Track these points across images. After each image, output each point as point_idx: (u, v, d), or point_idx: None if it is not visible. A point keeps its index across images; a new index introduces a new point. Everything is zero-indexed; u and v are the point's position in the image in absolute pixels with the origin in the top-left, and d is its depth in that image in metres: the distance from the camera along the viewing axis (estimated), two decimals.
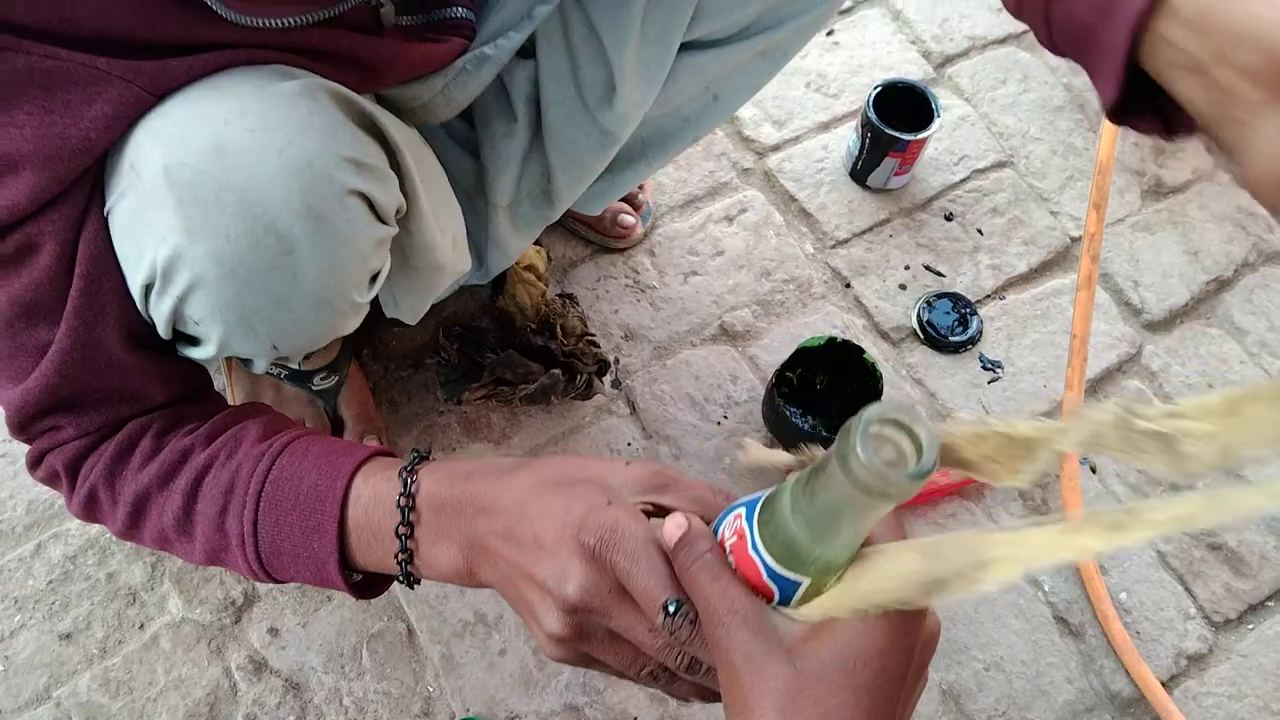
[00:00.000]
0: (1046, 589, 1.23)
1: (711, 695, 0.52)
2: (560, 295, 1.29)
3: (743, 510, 0.48)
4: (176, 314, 0.68)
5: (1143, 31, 0.51)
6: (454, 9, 0.81)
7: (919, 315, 1.37)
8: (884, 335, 1.37)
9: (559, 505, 0.54)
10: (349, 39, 0.71)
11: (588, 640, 0.53)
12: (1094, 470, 1.31)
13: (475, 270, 1.08)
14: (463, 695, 1.11)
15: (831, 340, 1.22)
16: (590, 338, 1.26)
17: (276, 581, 0.70)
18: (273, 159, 0.62)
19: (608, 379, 1.28)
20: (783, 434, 1.24)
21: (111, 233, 0.66)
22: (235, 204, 0.62)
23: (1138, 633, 1.22)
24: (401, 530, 0.61)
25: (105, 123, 0.62)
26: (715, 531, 0.50)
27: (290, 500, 0.66)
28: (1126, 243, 1.50)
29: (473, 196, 1.02)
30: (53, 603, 1.13)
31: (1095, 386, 1.38)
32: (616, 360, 1.31)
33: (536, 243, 1.25)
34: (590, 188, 1.05)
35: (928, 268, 1.43)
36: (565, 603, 0.51)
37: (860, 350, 1.21)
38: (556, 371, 1.20)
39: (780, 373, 1.21)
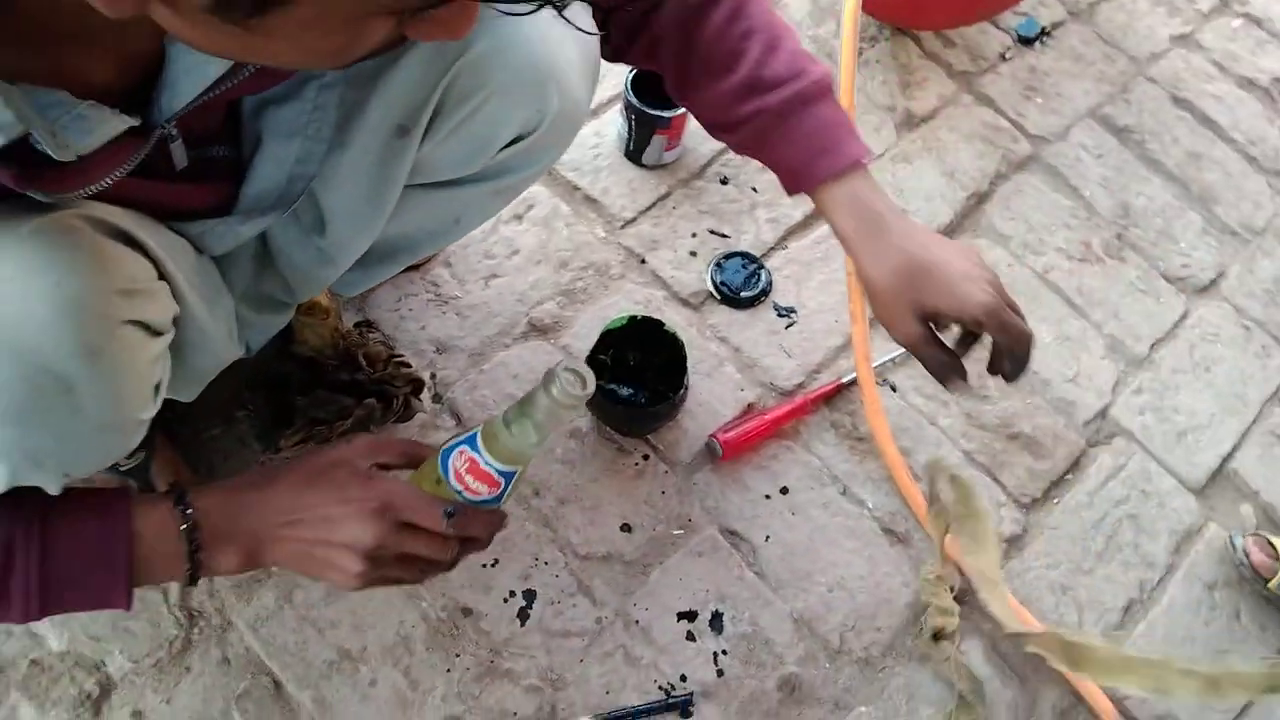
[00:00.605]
0: (870, 505, 1.32)
1: (452, 565, 0.83)
2: (357, 324, 1.29)
3: (464, 446, 0.81)
4: None
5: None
6: (215, 148, 0.79)
7: (712, 278, 1.44)
8: (684, 302, 1.43)
9: (331, 489, 0.78)
10: (134, 186, 0.68)
11: (381, 567, 0.79)
12: (894, 389, 1.41)
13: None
14: None
15: (633, 319, 1.26)
16: (398, 359, 1.26)
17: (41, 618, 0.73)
18: (39, 305, 0.61)
19: (426, 396, 1.29)
20: (606, 414, 1.29)
21: None
22: (6, 352, 0.61)
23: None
24: (193, 553, 0.75)
25: None
26: (446, 468, 0.81)
27: (76, 564, 0.71)
28: (889, 175, 1.61)
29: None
30: None
31: None
32: (433, 375, 1.32)
33: None
34: (343, 277, 1.04)
35: (713, 231, 1.50)
36: (367, 550, 0.77)
37: (660, 324, 1.26)
38: (370, 400, 1.20)
39: (591, 358, 1.25)
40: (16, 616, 0.71)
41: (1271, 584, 1.29)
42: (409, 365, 1.27)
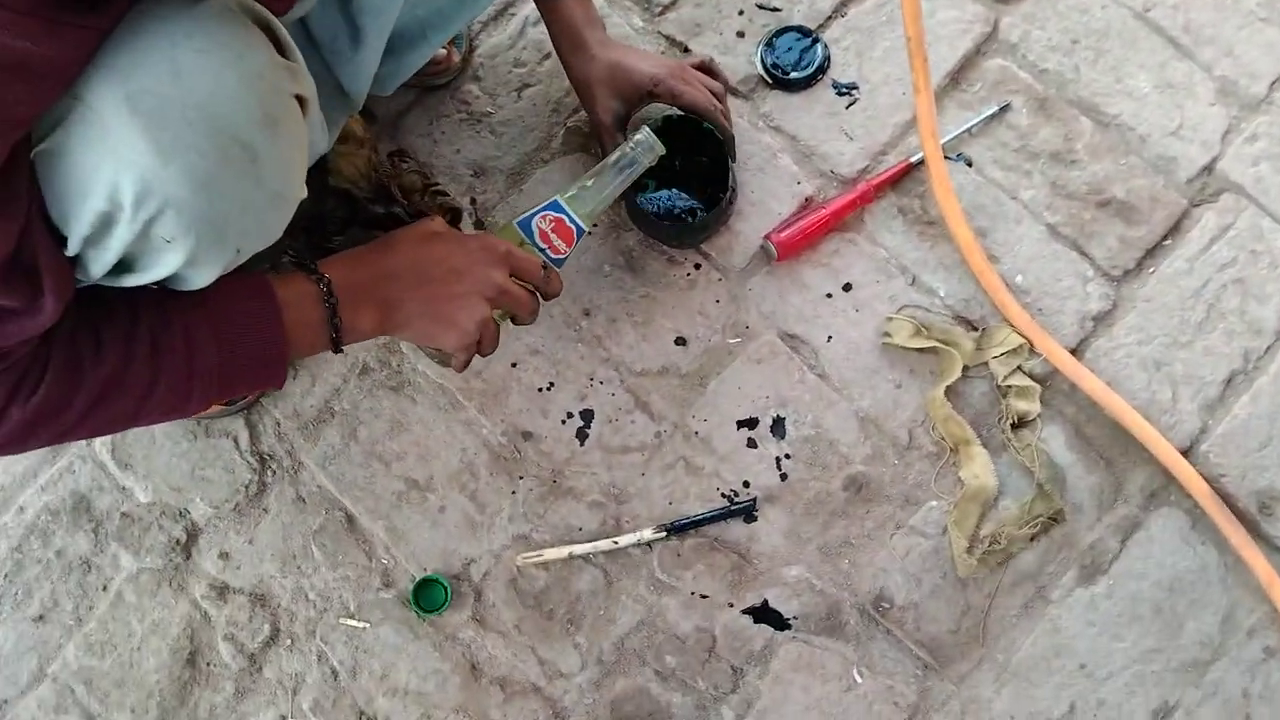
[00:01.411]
0: (942, 294, 1.24)
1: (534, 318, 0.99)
2: (391, 154, 1.25)
3: (547, 211, 1.00)
4: (142, 238, 0.70)
5: None
6: None
7: (762, 59, 1.32)
8: (733, 91, 1.32)
9: (452, 243, 0.94)
10: None
11: (499, 302, 0.93)
12: (969, 164, 1.29)
13: None
14: (416, 558, 1.16)
15: (669, 118, 1.18)
16: (435, 188, 1.22)
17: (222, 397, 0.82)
18: (229, 75, 0.66)
19: (467, 222, 1.26)
20: (651, 228, 1.23)
21: (44, 170, 0.66)
22: (202, 121, 0.66)
23: (1039, 310, 1.23)
24: (332, 316, 0.85)
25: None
26: (530, 230, 1.00)
27: (247, 344, 0.81)
28: None
29: None
30: (15, 593, 1.17)
31: (958, 77, 1.33)
32: (473, 200, 1.28)
33: None
34: (379, 71, 1.03)
35: (761, 5, 1.36)
36: (494, 293, 0.92)
37: (698, 122, 1.17)
38: None
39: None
40: (196, 405, 0.80)
41: None
42: (446, 194, 1.23)
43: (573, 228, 1.00)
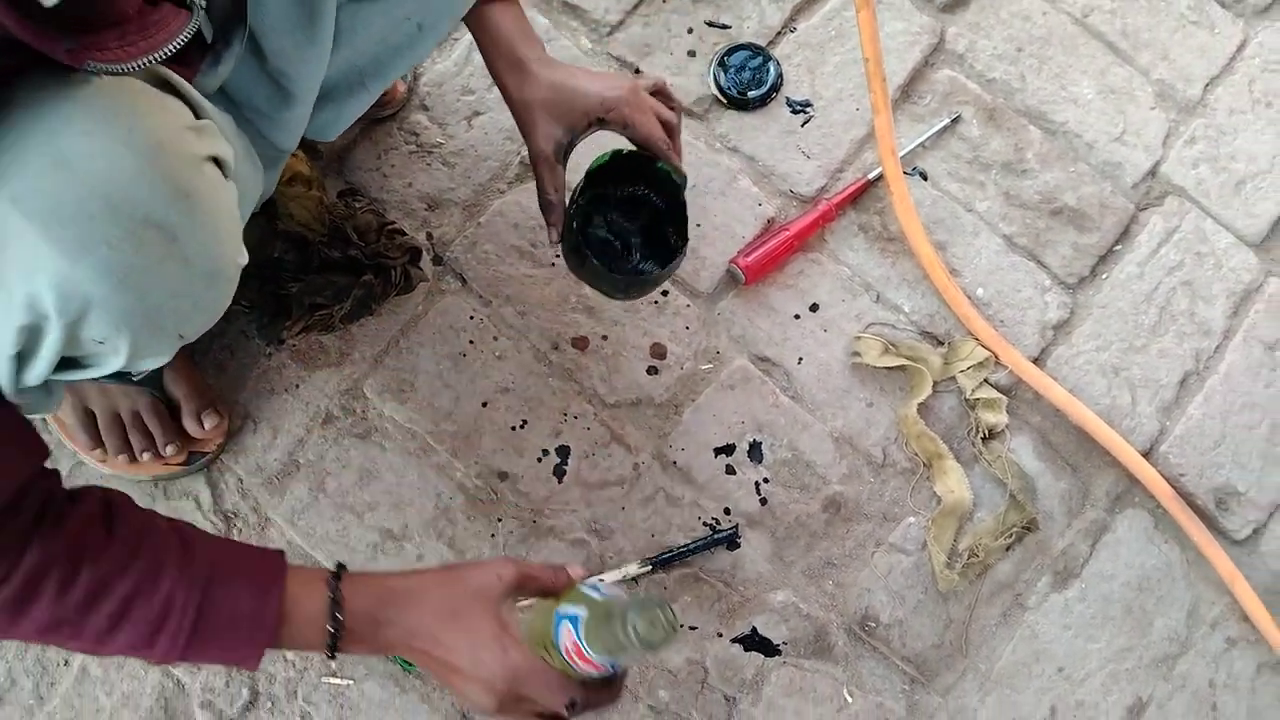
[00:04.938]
0: (907, 310, 1.25)
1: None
2: (341, 193, 1.21)
3: (569, 625, 0.77)
4: (72, 343, 0.65)
5: None
6: None
7: (715, 79, 1.31)
8: (688, 112, 1.31)
9: (466, 639, 0.79)
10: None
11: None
12: (925, 177, 1.31)
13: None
14: None
15: (617, 153, 1.07)
16: (391, 227, 1.19)
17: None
18: (122, 153, 0.60)
19: (425, 261, 1.22)
20: (587, 274, 1.08)
21: None
22: (103, 210, 0.59)
23: (1001, 321, 1.25)
24: (331, 644, 0.76)
25: None
26: (558, 634, 0.78)
27: (223, 635, 0.74)
28: None
29: None
30: None
31: (908, 90, 1.34)
32: (429, 236, 1.25)
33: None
34: (316, 119, 0.96)
35: (711, 23, 1.35)
36: (484, 711, 0.81)
37: (652, 160, 1.06)
38: (368, 278, 1.14)
39: (574, 208, 1.06)
40: (154, 659, 0.74)
41: None
42: (403, 233, 1.20)
43: (591, 660, 0.77)
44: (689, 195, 1.10)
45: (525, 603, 0.85)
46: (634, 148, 1.06)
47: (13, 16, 0.49)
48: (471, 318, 1.22)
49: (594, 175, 1.05)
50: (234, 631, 0.74)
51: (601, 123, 1.02)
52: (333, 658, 0.78)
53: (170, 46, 0.58)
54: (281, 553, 0.78)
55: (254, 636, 0.74)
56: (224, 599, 0.73)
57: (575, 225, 1.05)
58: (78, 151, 0.59)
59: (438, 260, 1.24)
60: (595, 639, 0.75)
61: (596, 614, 0.76)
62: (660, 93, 1.11)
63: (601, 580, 1.09)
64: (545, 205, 1.04)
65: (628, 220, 1.11)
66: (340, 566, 0.80)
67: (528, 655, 0.80)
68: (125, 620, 0.71)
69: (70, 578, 0.69)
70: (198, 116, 0.69)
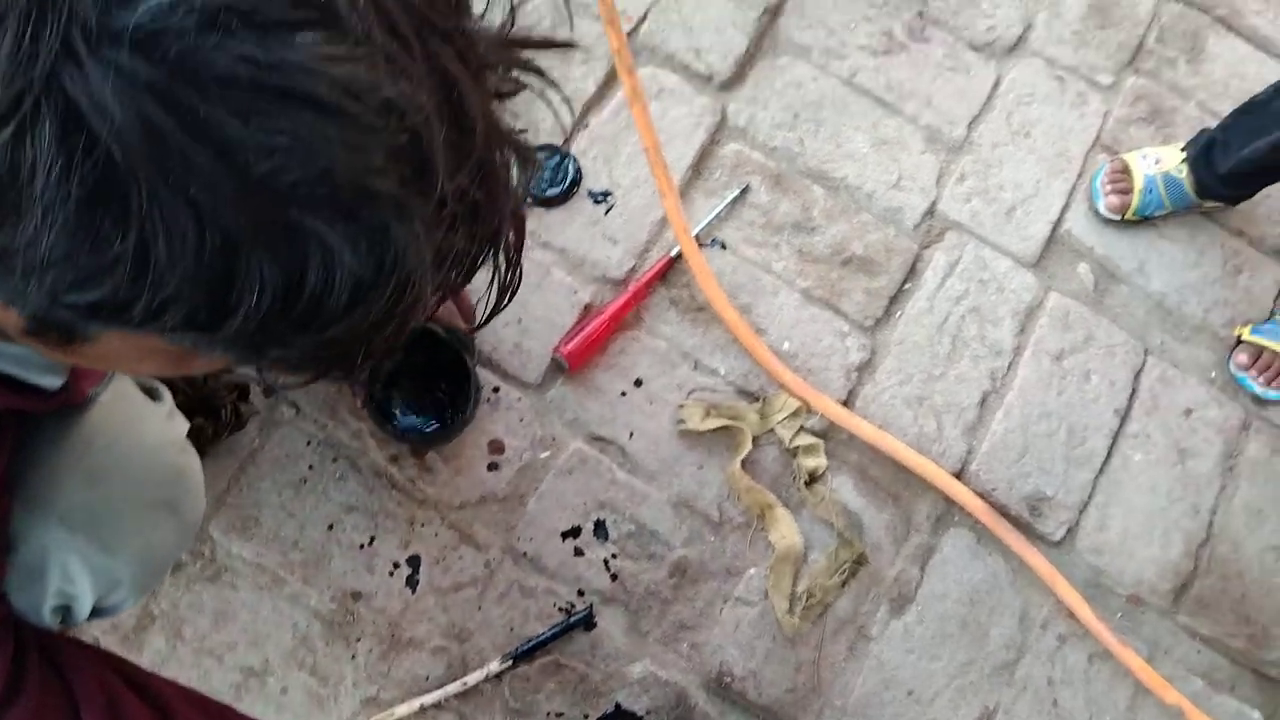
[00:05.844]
0: (723, 372, 1.33)
1: None
2: None
3: None
4: (95, 609, 0.78)
5: None
6: None
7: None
8: None
9: None
10: None
11: None
12: (724, 246, 1.39)
13: None
14: None
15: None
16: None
17: None
18: (136, 455, 0.76)
19: (255, 393, 1.25)
20: (402, 442, 1.25)
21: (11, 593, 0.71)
22: (131, 508, 0.75)
23: (809, 370, 1.34)
24: None
25: None
26: None
27: None
28: (675, 15, 1.52)
29: None
30: None
31: (699, 168, 1.44)
32: (258, 369, 1.28)
33: None
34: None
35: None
36: None
37: (431, 331, 1.16)
38: (198, 420, 1.17)
39: (371, 387, 1.20)
40: None
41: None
42: (229, 370, 1.23)
43: None
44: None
45: None
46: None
47: (31, 400, 0.62)
48: (309, 443, 1.25)
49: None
50: None
51: None
52: None
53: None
54: None
55: None
56: None
57: (375, 395, 1.20)
58: (106, 466, 0.73)
59: (268, 391, 1.27)
60: None
61: None
62: None
63: None
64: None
65: (416, 382, 1.24)
66: None
67: None
68: None
69: None
70: (155, 398, 0.84)
